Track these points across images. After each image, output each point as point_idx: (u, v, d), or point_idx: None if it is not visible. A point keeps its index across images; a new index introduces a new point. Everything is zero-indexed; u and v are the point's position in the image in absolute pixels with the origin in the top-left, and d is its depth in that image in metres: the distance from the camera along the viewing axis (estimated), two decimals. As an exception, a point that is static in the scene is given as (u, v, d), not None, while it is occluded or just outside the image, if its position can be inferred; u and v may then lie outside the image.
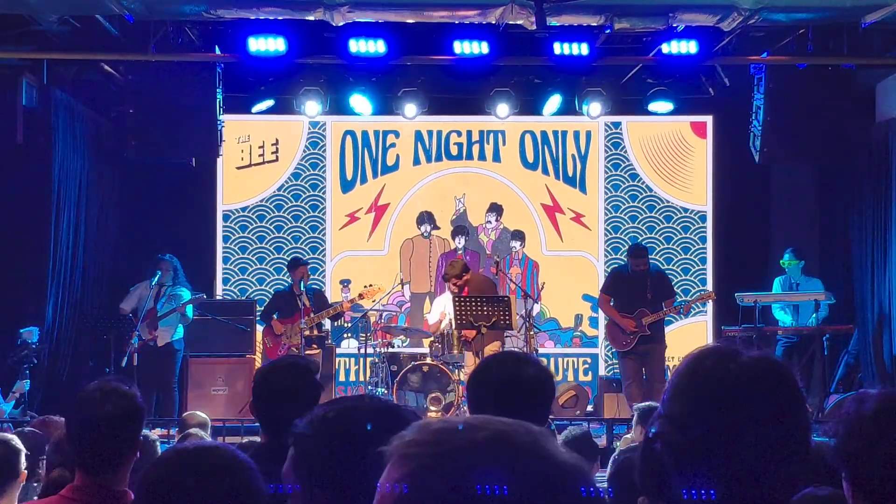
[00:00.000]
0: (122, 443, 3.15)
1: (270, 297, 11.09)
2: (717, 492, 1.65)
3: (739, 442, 1.68)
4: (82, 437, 3.16)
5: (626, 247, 10.70)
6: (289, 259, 11.20)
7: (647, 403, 6.94)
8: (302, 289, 10.61)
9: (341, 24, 9.27)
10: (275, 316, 10.79)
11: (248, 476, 2.09)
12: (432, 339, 11.26)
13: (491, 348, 9.97)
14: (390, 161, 12.48)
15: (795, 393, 1.77)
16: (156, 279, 10.57)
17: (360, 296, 10.60)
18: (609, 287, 10.64)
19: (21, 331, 9.64)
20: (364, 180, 12.49)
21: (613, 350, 10.74)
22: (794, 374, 1.79)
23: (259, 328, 11.33)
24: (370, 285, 10.65)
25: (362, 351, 11.14)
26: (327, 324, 11.13)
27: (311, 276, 10.89)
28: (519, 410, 2.91)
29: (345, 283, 12.18)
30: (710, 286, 11.81)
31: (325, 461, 1.99)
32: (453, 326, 10.57)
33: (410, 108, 11.52)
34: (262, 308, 11.06)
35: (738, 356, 1.76)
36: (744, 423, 1.68)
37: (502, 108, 11.57)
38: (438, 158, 12.53)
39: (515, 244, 12.53)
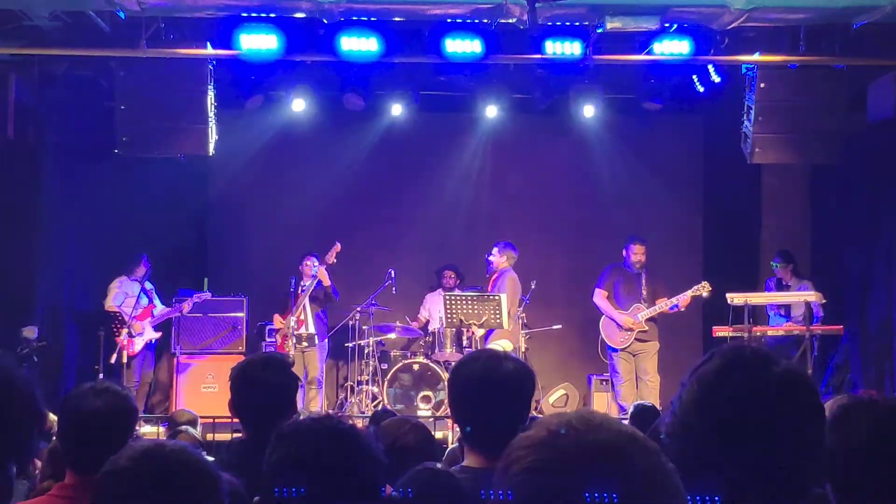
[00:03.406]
0: (112, 441, 3.13)
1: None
2: (726, 499, 1.64)
3: (759, 454, 1.66)
4: (72, 435, 3.15)
5: (624, 239, 10.75)
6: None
7: (639, 403, 6.97)
8: (306, 284, 10.73)
9: (334, 21, 9.26)
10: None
11: (204, 475, 2.07)
12: (423, 337, 11.28)
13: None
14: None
15: (819, 407, 1.76)
16: (142, 276, 10.71)
17: (326, 261, 10.70)
18: (605, 283, 10.67)
19: (22, 328, 9.64)
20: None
21: (609, 346, 10.76)
22: (817, 388, 1.78)
23: (250, 325, 11.37)
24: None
25: (353, 349, 11.14)
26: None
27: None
28: (496, 407, 2.92)
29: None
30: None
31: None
32: (444, 325, 10.59)
33: (402, 107, 11.53)
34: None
35: (766, 369, 1.73)
36: (767, 438, 1.67)
37: (494, 107, 11.57)
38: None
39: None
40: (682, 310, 10.50)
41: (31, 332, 9.67)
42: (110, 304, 10.72)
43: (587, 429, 1.29)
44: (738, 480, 1.66)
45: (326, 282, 10.78)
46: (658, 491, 1.26)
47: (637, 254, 10.55)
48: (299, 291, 10.78)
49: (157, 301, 10.98)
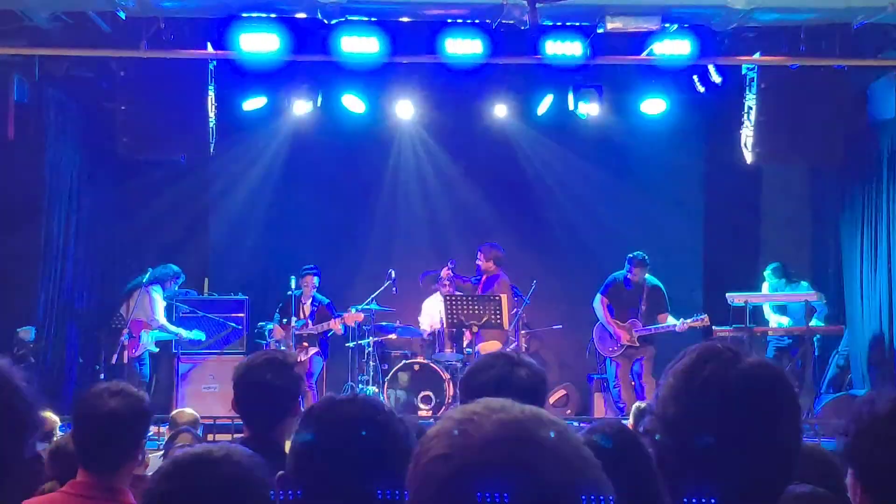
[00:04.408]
0: (125, 442, 3.18)
1: (283, 300, 11.12)
2: (710, 493, 1.65)
3: (734, 446, 1.67)
4: (87, 434, 3.17)
5: (628, 254, 10.68)
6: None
7: (643, 403, 6.97)
8: (308, 297, 10.73)
9: (334, 21, 9.26)
10: (277, 322, 10.90)
11: (259, 480, 2.07)
12: (423, 337, 11.27)
13: (487, 346, 10.02)
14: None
15: (792, 398, 1.78)
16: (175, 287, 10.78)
17: (343, 319, 10.67)
18: (607, 290, 10.65)
19: (17, 330, 9.62)
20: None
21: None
22: (790, 380, 1.80)
23: (251, 325, 11.36)
24: (350, 311, 10.69)
25: (353, 349, 11.13)
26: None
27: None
28: None
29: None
30: (700, 286, 11.82)
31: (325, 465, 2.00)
32: (445, 325, 10.59)
33: (403, 108, 11.52)
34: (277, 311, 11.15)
35: (737, 361, 1.75)
36: (740, 429, 1.68)
37: (495, 107, 11.56)
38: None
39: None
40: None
41: (26, 334, 9.66)
42: (161, 318, 10.68)
43: (490, 412, 1.31)
44: (717, 474, 1.67)
45: (339, 332, 10.80)
46: (568, 463, 1.27)
47: (636, 275, 10.49)
48: (303, 311, 10.77)
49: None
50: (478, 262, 10.86)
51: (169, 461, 2.11)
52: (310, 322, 10.78)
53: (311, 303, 10.87)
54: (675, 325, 10.24)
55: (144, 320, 10.54)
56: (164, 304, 10.74)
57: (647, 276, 10.50)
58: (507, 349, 10.10)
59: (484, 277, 10.83)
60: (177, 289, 10.93)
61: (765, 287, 11.01)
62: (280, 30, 9.37)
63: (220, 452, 2.08)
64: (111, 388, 3.23)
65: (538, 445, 1.28)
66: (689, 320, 10.22)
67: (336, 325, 10.68)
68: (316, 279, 10.91)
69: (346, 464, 1.99)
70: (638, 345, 10.38)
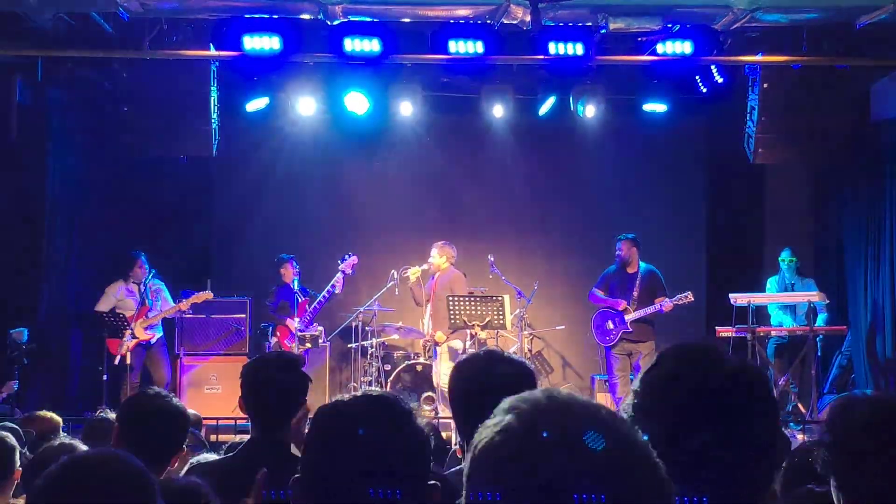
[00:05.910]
0: (168, 439, 3.45)
1: (273, 292, 11.07)
2: (695, 498, 1.65)
3: (720, 450, 1.67)
4: (133, 431, 3.39)
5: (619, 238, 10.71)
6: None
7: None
8: (295, 287, 10.64)
9: (336, 22, 9.27)
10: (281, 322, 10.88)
11: (144, 483, 2.06)
12: (426, 338, 11.27)
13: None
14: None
15: (771, 398, 1.78)
16: (141, 278, 10.64)
17: (344, 271, 10.67)
18: (602, 283, 10.67)
19: (10, 331, 9.61)
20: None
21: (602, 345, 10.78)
22: (768, 378, 1.80)
23: (253, 326, 11.34)
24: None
25: (355, 350, 11.13)
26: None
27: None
28: (488, 412, 2.87)
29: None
30: (703, 286, 11.81)
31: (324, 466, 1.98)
32: (447, 326, 10.58)
33: (405, 108, 11.52)
34: (270, 304, 11.07)
35: (719, 366, 1.74)
36: (726, 432, 1.68)
37: (497, 108, 11.56)
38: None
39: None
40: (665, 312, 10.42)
41: (19, 335, 9.65)
42: (98, 307, 10.63)
43: (562, 416, 1.33)
44: (697, 480, 1.66)
45: (339, 289, 10.78)
46: (633, 468, 1.27)
47: (623, 251, 10.53)
48: (300, 298, 10.72)
49: (168, 300, 10.84)
50: (430, 259, 10.82)
51: (59, 461, 2.09)
52: (308, 305, 10.73)
53: (302, 293, 10.83)
54: (661, 306, 10.23)
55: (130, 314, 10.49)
56: (109, 295, 10.67)
57: (640, 262, 10.53)
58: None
59: (438, 275, 10.79)
60: (147, 272, 10.70)
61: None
62: (282, 30, 9.38)
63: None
64: (160, 393, 3.55)
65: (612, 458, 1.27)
66: (673, 299, 10.22)
67: (338, 283, 10.67)
68: (295, 264, 10.93)
69: (364, 464, 1.95)
70: (631, 330, 10.36)
